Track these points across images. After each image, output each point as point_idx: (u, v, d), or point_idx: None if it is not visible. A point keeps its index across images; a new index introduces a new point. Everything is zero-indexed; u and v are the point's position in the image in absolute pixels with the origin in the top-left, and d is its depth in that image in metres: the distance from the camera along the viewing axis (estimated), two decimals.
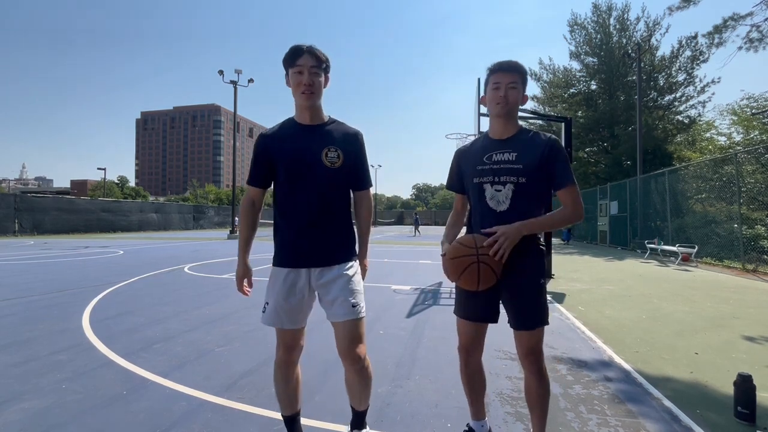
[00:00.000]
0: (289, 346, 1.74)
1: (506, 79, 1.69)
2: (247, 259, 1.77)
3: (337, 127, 1.76)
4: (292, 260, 1.69)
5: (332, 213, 1.70)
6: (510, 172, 1.67)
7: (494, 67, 1.74)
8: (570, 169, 1.69)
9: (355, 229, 1.84)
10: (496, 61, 1.75)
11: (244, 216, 1.78)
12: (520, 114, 2.02)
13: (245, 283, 1.77)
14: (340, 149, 1.70)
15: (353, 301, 1.67)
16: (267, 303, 1.72)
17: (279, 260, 1.73)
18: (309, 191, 1.66)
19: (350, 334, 1.66)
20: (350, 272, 1.71)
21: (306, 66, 1.62)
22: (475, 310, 1.75)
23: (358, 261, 1.81)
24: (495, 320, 1.75)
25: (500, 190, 1.69)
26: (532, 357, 1.69)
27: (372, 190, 1.94)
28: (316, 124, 1.73)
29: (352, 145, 1.75)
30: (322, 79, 1.69)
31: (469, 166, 1.79)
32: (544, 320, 1.69)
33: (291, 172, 1.67)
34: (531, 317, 1.67)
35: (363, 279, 1.79)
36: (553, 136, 1.73)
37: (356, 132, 1.78)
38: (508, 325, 1.73)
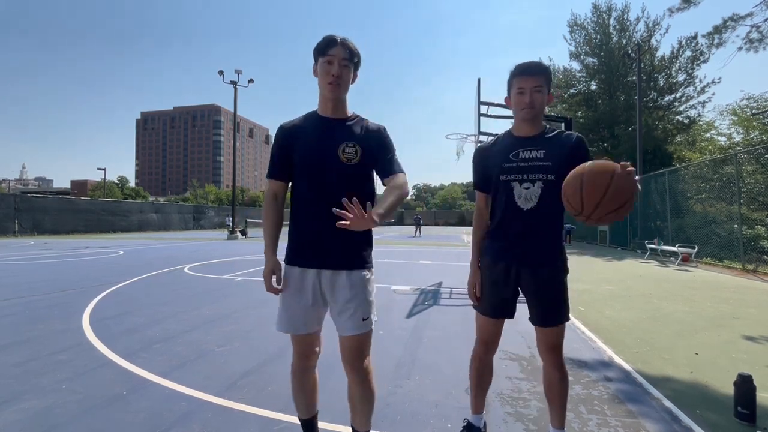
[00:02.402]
0: (304, 352, 1.66)
1: (531, 83, 1.68)
2: (274, 255, 1.63)
3: (359, 122, 1.67)
4: (301, 259, 1.61)
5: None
6: (539, 170, 1.68)
7: (518, 70, 1.71)
8: None
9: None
10: (519, 62, 1.72)
11: (268, 211, 1.68)
12: None
13: (274, 280, 1.61)
14: (358, 145, 1.60)
15: (364, 314, 1.59)
16: (279, 308, 1.66)
17: (289, 257, 1.65)
18: (322, 187, 1.57)
19: (356, 349, 1.61)
20: (363, 281, 1.61)
21: (337, 57, 1.55)
22: (494, 307, 1.80)
23: (373, 269, 1.68)
24: (512, 316, 1.82)
25: (529, 188, 1.69)
26: (557, 352, 1.74)
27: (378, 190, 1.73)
28: (337, 117, 1.64)
29: (373, 140, 1.64)
30: (351, 73, 1.62)
31: (495, 164, 1.78)
32: (567, 316, 1.73)
33: (305, 166, 1.60)
34: (557, 314, 1.71)
35: (366, 225, 1.35)
36: (580, 135, 1.73)
37: (379, 127, 1.69)
38: (529, 321, 1.78)
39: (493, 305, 1.80)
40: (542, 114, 1.77)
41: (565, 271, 1.76)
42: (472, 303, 1.91)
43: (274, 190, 1.69)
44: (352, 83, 1.65)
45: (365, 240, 1.65)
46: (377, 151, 1.64)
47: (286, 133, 1.65)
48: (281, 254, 1.63)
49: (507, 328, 1.77)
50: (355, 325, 1.58)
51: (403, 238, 22.76)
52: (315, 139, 1.60)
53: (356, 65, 1.64)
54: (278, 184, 1.69)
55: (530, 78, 1.67)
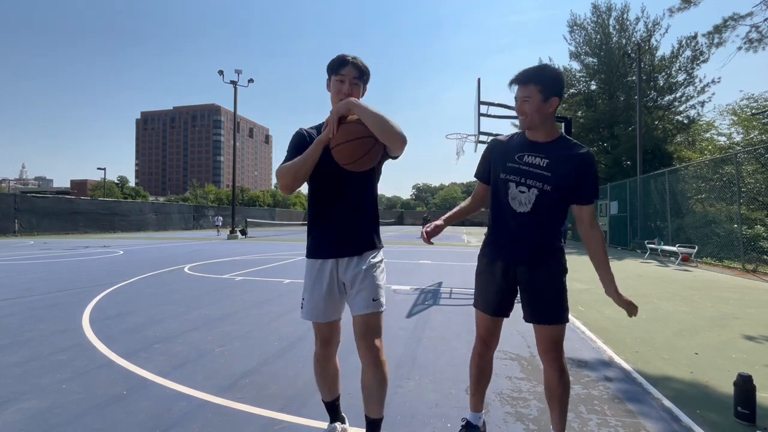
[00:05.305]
0: (326, 339, 1.82)
1: (521, 93, 1.70)
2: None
3: None
4: (319, 251, 1.77)
5: (360, 210, 1.77)
6: (538, 177, 1.69)
7: (511, 79, 1.74)
8: (596, 187, 1.72)
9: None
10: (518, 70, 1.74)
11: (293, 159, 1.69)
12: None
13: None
14: None
15: (374, 295, 1.72)
16: (303, 298, 1.82)
17: (309, 252, 1.82)
18: (338, 193, 1.74)
19: (368, 326, 1.70)
20: (372, 265, 1.75)
21: (348, 76, 1.71)
22: (491, 304, 1.83)
23: (382, 250, 1.86)
24: (507, 315, 1.84)
25: (524, 192, 1.72)
26: (555, 353, 1.73)
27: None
28: None
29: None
30: (361, 90, 1.78)
31: (500, 161, 1.80)
32: (565, 317, 1.73)
33: (321, 175, 1.72)
34: (550, 312, 1.71)
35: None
36: (589, 151, 1.70)
37: None
38: (523, 320, 1.79)
39: (490, 303, 1.83)
40: (546, 119, 1.70)
41: (563, 271, 1.76)
42: (473, 302, 1.93)
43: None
44: (361, 97, 1.78)
45: (372, 227, 1.81)
46: (382, 158, 1.78)
47: (308, 137, 1.76)
48: (301, 249, 1.65)
49: (507, 328, 1.78)
50: (366, 304, 1.71)
51: (402, 238, 22.76)
52: (327, 153, 1.67)
53: (365, 81, 1.79)
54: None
55: (520, 88, 1.70)
